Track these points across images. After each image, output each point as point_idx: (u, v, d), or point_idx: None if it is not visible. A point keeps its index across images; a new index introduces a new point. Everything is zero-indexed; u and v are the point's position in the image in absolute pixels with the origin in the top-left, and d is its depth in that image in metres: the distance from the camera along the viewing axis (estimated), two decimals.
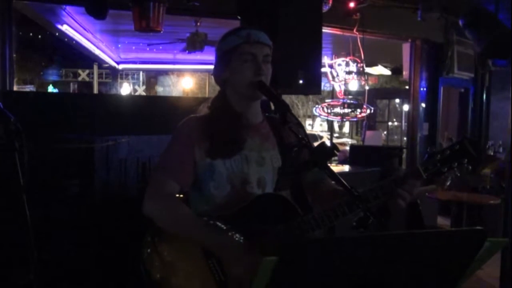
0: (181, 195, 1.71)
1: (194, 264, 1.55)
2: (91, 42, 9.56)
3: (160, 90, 20.85)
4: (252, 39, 1.64)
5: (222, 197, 1.64)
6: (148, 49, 10.59)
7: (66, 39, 8.71)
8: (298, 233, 1.52)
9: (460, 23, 4.83)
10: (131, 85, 19.31)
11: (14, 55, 4.84)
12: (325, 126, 24.68)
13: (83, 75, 19.13)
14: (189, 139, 1.65)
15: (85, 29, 8.23)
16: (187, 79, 18.62)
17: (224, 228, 1.56)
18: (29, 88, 17.83)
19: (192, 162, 1.64)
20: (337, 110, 8.50)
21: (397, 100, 20.02)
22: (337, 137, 21.38)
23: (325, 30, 4.55)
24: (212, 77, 1.80)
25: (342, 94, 8.39)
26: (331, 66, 8.05)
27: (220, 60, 1.71)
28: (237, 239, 1.55)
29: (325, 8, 4.74)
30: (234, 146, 1.64)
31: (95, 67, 17.34)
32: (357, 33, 6.04)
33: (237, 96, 1.69)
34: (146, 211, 1.59)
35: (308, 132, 2.11)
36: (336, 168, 5.18)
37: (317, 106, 9.24)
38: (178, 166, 1.63)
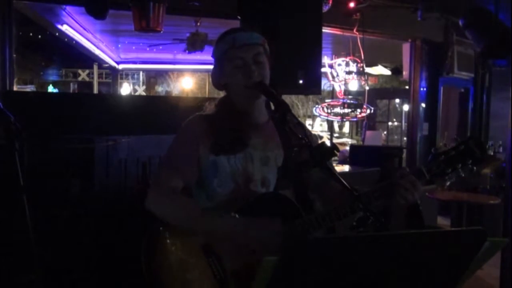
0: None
1: (194, 261, 1.55)
2: (91, 42, 9.54)
3: (160, 90, 20.84)
4: (237, 43, 1.63)
5: (226, 195, 1.64)
6: (148, 49, 10.57)
7: (66, 39, 8.68)
8: (299, 233, 1.52)
9: (460, 23, 4.83)
10: (131, 85, 19.27)
11: (14, 55, 4.83)
12: (325, 126, 24.62)
13: (83, 75, 19.09)
14: (194, 136, 1.66)
15: (85, 29, 8.21)
16: (187, 79, 18.59)
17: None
18: (29, 88, 17.79)
19: (197, 159, 1.64)
20: (337, 110, 8.49)
21: (397, 100, 19.97)
22: (337, 137, 21.32)
23: (325, 30, 4.54)
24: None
25: (342, 94, 8.38)
26: (331, 66, 8.04)
27: (215, 66, 1.73)
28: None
29: (325, 8, 4.73)
30: (238, 143, 1.65)
31: (95, 67, 17.30)
32: (357, 33, 6.04)
33: (238, 97, 1.70)
34: (149, 205, 1.59)
35: None
36: (336, 168, 5.18)
37: (317, 106, 9.22)
38: (183, 162, 1.63)
